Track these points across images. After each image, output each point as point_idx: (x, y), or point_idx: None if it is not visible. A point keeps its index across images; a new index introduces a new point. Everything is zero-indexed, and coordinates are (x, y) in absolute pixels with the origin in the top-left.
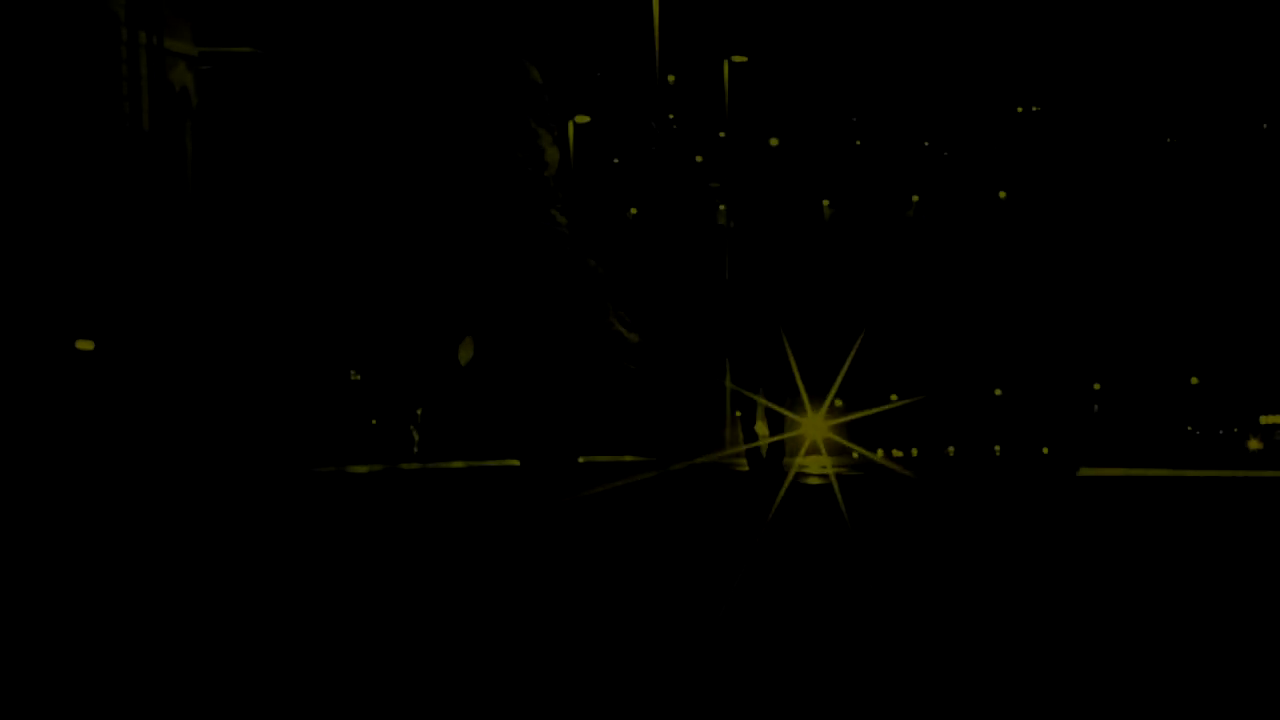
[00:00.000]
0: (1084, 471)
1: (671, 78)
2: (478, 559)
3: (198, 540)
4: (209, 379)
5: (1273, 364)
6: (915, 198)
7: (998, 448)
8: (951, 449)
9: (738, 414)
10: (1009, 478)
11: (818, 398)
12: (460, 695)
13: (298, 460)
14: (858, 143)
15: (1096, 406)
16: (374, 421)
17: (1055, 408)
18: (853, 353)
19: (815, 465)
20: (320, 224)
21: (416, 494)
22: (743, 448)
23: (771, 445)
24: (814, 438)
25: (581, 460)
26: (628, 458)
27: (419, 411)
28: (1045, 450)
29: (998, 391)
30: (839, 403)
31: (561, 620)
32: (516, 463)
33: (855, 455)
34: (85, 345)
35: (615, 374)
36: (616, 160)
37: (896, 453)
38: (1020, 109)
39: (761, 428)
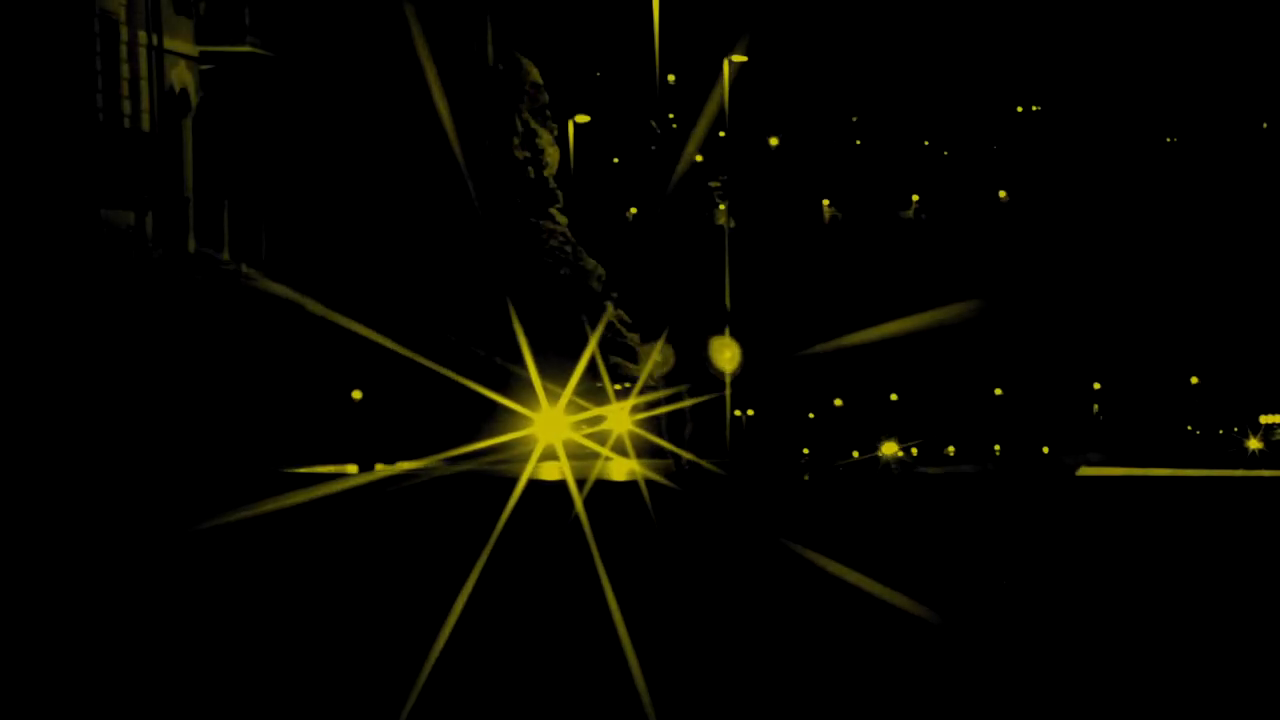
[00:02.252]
0: (1084, 471)
1: (672, 77)
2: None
3: (184, 542)
4: (204, 380)
5: (1273, 364)
6: (915, 197)
7: (997, 447)
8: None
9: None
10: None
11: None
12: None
13: (294, 463)
14: (858, 143)
15: (1096, 406)
16: (360, 423)
17: (1054, 407)
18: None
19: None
20: (320, 223)
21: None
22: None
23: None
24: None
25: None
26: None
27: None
28: (1045, 449)
29: (998, 391)
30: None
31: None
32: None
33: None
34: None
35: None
36: (616, 160)
37: (912, 452)
38: (1020, 109)
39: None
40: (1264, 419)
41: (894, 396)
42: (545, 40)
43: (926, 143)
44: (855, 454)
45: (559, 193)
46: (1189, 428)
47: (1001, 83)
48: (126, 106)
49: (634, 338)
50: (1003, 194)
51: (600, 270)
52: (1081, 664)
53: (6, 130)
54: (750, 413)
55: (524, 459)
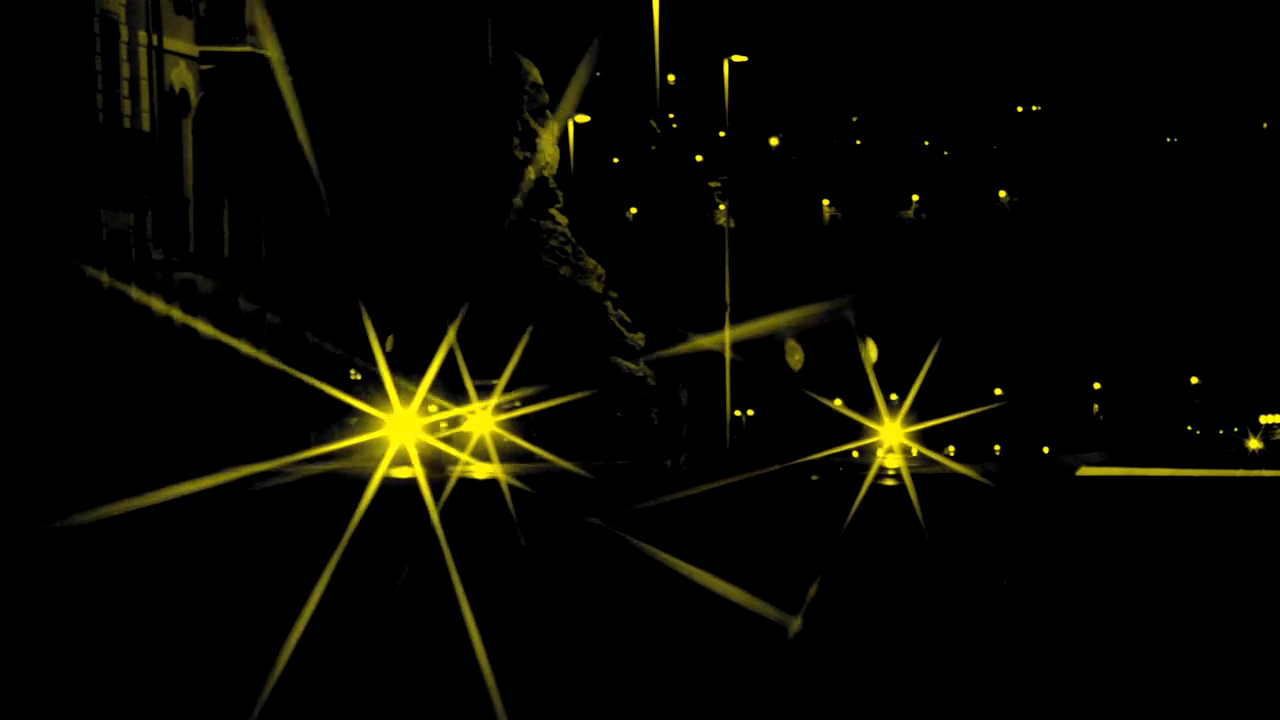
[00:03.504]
0: (1084, 471)
1: (672, 77)
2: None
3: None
4: (201, 376)
5: (1273, 364)
6: (915, 197)
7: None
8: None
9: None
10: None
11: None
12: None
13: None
14: (858, 143)
15: (1096, 406)
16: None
17: (1054, 407)
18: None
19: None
20: (320, 223)
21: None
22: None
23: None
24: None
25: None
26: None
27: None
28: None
29: (998, 391)
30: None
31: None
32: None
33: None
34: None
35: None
36: (616, 160)
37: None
38: (1020, 109)
39: None
40: (1264, 419)
41: (894, 396)
42: (545, 40)
43: (926, 143)
44: (855, 453)
45: (559, 193)
46: (1189, 428)
47: (1001, 83)
48: (126, 106)
49: (636, 338)
50: (1003, 194)
51: (600, 270)
52: (1081, 664)
53: (7, 131)
54: (750, 413)
55: (380, 462)
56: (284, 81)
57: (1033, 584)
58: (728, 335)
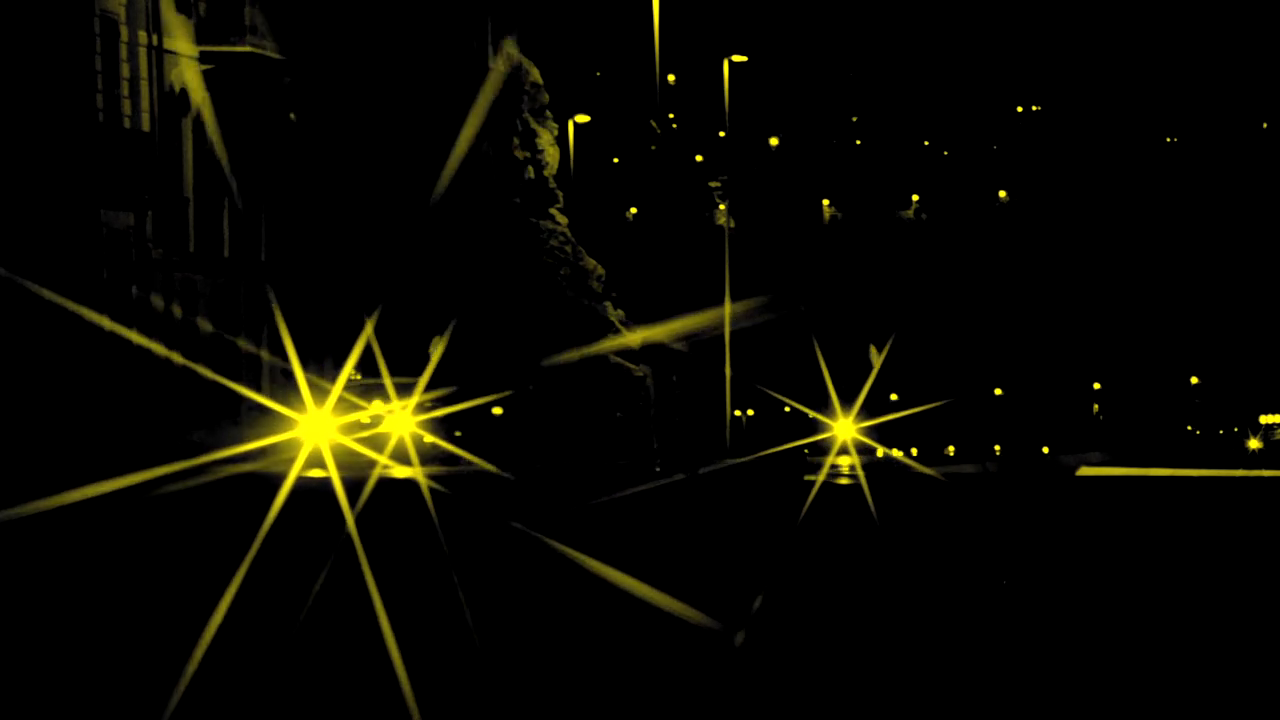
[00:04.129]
0: (1084, 471)
1: (672, 77)
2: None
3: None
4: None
5: (1273, 364)
6: (915, 197)
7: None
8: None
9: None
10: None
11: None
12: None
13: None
14: (858, 143)
15: (1096, 406)
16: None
17: (1054, 407)
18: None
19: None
20: (319, 223)
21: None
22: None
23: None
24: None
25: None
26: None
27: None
28: (1045, 450)
29: (998, 391)
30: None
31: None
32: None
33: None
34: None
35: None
36: (616, 160)
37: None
38: (1020, 109)
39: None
40: (1264, 419)
41: (894, 396)
42: (545, 40)
43: (926, 143)
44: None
45: (559, 193)
46: (1189, 428)
47: (1001, 83)
48: (126, 106)
49: (634, 338)
50: (1003, 194)
51: (600, 270)
52: (1081, 663)
53: (7, 130)
54: (750, 413)
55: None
56: (192, 77)
57: (1027, 583)
58: (728, 335)
